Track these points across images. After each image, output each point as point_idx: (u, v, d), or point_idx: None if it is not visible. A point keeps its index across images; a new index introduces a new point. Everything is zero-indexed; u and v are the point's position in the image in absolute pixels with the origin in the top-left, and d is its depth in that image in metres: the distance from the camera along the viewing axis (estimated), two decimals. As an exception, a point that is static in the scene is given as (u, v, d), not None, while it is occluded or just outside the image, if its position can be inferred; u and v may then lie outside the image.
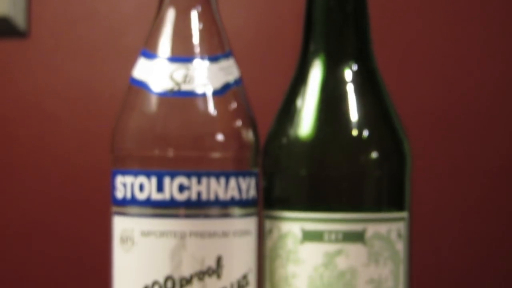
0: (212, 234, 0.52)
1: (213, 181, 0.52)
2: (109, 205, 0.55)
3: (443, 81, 0.92)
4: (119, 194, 0.54)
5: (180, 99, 0.53)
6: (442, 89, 0.92)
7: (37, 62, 0.96)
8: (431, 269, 0.92)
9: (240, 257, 0.53)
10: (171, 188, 0.52)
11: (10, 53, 0.97)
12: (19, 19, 0.95)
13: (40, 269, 0.95)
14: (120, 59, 0.93)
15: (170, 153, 0.52)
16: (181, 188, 0.52)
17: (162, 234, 0.52)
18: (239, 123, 0.54)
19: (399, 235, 0.54)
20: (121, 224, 0.53)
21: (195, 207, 0.52)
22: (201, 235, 0.52)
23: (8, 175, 0.97)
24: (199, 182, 0.52)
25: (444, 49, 0.92)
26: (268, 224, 0.55)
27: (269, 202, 0.55)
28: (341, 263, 0.52)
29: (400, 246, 0.54)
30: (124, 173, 0.53)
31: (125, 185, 0.53)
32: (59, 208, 0.95)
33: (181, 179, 0.52)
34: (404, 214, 0.54)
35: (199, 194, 0.52)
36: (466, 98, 0.92)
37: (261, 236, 0.55)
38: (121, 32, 0.95)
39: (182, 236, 0.52)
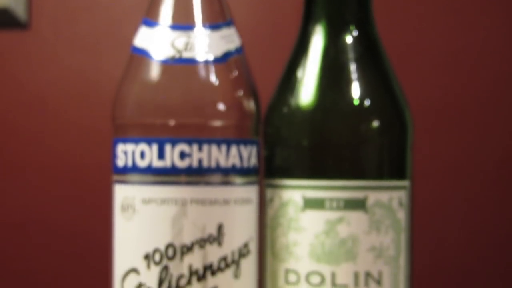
0: (213, 202, 0.52)
1: (214, 148, 0.52)
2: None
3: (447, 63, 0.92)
4: (120, 162, 0.53)
5: (181, 66, 0.53)
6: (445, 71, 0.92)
7: (37, 53, 0.96)
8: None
9: (241, 225, 0.53)
10: (172, 155, 0.52)
11: (10, 45, 0.97)
12: (20, 11, 0.95)
13: (42, 263, 0.95)
14: (120, 50, 0.93)
15: (171, 120, 0.52)
16: (182, 155, 0.52)
17: (163, 201, 0.52)
18: (240, 91, 0.54)
19: (401, 204, 0.53)
20: (122, 192, 0.53)
21: (196, 175, 0.52)
22: (202, 202, 0.52)
23: (8, 167, 0.97)
24: (200, 149, 0.52)
25: (449, 39, 0.92)
26: (269, 192, 0.55)
27: (270, 171, 0.55)
28: (343, 230, 0.52)
29: (402, 215, 0.54)
30: (125, 141, 0.53)
31: (126, 153, 0.53)
32: (60, 201, 0.95)
33: (182, 146, 0.52)
34: (406, 183, 0.54)
35: (200, 161, 0.52)
36: (471, 84, 0.91)
37: (262, 205, 0.55)
38: (121, 23, 0.95)
39: (183, 203, 0.52)
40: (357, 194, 0.52)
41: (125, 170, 0.53)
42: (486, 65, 0.91)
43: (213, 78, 0.53)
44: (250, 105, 0.54)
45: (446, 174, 0.91)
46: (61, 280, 0.95)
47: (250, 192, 0.54)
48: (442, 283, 0.92)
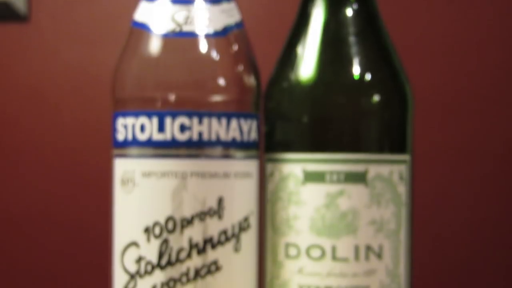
0: (213, 175, 0.52)
1: (214, 121, 0.52)
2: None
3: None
4: (120, 136, 0.53)
5: (181, 40, 0.53)
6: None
7: (37, 46, 0.96)
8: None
9: (241, 199, 0.53)
10: (172, 128, 0.52)
11: (10, 37, 0.97)
12: (20, 4, 0.95)
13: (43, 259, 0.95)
14: (120, 44, 0.93)
15: (171, 93, 0.52)
16: (182, 128, 0.52)
17: (163, 174, 0.52)
18: (240, 65, 0.54)
19: (401, 178, 0.53)
20: (122, 166, 0.53)
21: (196, 147, 0.52)
22: (202, 175, 0.52)
23: (6, 160, 0.96)
24: (200, 122, 0.52)
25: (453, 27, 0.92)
26: (269, 167, 0.55)
27: (270, 146, 0.55)
28: (343, 204, 0.52)
29: (402, 189, 0.53)
30: (125, 114, 0.53)
31: (126, 126, 0.53)
32: (60, 195, 0.95)
33: (182, 119, 0.52)
34: (406, 157, 0.54)
35: (200, 134, 0.52)
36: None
37: (262, 180, 0.55)
38: (121, 16, 0.95)
39: (183, 176, 0.52)
40: (358, 167, 0.52)
41: (125, 144, 0.53)
42: (493, 45, 0.91)
43: (213, 52, 0.53)
44: (250, 79, 0.54)
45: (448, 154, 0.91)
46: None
47: (250, 166, 0.54)
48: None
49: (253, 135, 0.54)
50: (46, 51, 0.96)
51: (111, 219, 0.54)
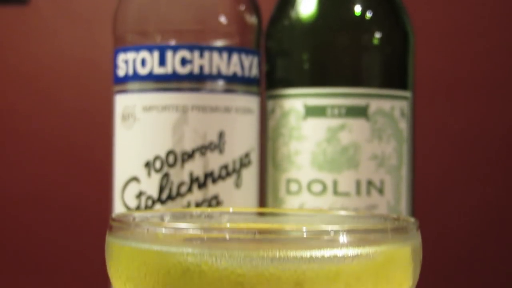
0: (214, 109, 0.52)
1: (215, 55, 0.52)
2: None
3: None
4: (121, 72, 0.53)
5: (183, -26, 0.53)
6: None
7: (37, 29, 0.96)
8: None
9: (242, 134, 0.53)
10: (173, 62, 0.52)
11: (10, 21, 0.96)
12: (19, -15, 0.96)
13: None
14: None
15: (172, 28, 0.52)
16: (183, 62, 0.52)
17: (164, 108, 0.52)
18: (241, 4, 0.54)
19: (402, 114, 0.53)
20: (122, 102, 0.53)
21: (197, 81, 0.52)
22: (203, 109, 0.52)
23: (7, 141, 0.96)
24: (201, 56, 0.52)
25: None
26: (270, 104, 0.55)
27: (271, 84, 0.55)
28: (344, 138, 0.52)
29: (404, 125, 0.53)
30: (126, 50, 0.53)
31: (127, 62, 0.53)
32: (59, 176, 0.95)
33: (184, 53, 0.52)
34: (407, 94, 0.54)
35: (201, 68, 0.52)
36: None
37: (264, 119, 0.55)
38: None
39: (184, 110, 0.51)
40: (359, 101, 0.52)
41: (125, 79, 0.53)
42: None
43: (214, -13, 0.53)
44: (252, 17, 0.54)
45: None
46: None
47: (251, 102, 0.53)
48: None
49: (254, 72, 0.54)
50: (46, 34, 0.96)
51: (112, 158, 0.54)
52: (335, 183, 0.52)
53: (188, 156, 0.51)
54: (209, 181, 0.52)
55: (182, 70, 0.52)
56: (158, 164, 0.51)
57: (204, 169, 0.51)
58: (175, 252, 0.30)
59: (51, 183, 0.94)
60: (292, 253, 0.29)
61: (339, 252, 0.30)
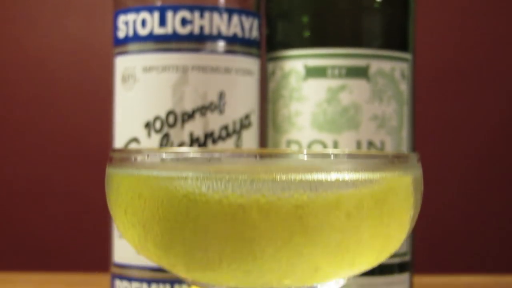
0: (214, 69, 0.52)
1: (215, 15, 0.52)
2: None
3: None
4: (121, 34, 0.53)
5: None
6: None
7: (37, 16, 0.96)
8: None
9: (242, 96, 0.53)
10: (174, 22, 0.52)
11: (10, 7, 0.96)
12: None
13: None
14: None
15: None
16: (184, 22, 0.52)
17: (164, 68, 0.52)
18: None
19: (403, 75, 0.53)
20: (122, 64, 0.53)
21: (198, 41, 0.52)
22: (203, 69, 0.52)
23: (8, 128, 0.96)
24: (201, 16, 0.52)
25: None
26: (271, 66, 0.55)
27: (272, 47, 0.55)
28: (345, 98, 0.52)
29: (404, 87, 0.53)
30: (126, 11, 0.53)
31: (127, 23, 0.53)
32: (60, 162, 0.94)
33: (184, 13, 0.52)
34: (408, 56, 0.54)
35: (201, 28, 0.52)
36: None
37: (264, 83, 0.55)
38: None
39: (184, 70, 0.51)
40: (359, 62, 0.52)
41: (126, 41, 0.53)
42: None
43: None
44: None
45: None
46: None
47: (252, 64, 0.53)
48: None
49: (254, 34, 0.54)
50: (46, 22, 0.96)
51: (112, 120, 0.54)
52: (335, 144, 0.52)
53: (188, 116, 0.51)
54: (209, 142, 0.51)
55: (182, 31, 0.51)
56: (158, 125, 0.51)
57: (204, 130, 0.51)
58: (175, 177, 0.30)
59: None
60: (293, 176, 0.29)
61: (340, 176, 0.30)
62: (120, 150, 0.32)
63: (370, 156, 0.31)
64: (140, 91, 0.52)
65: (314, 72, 0.52)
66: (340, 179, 0.30)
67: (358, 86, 0.52)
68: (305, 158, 0.30)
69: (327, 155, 0.30)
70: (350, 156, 0.30)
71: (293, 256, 0.30)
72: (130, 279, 0.53)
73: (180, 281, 0.52)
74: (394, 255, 0.53)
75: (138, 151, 0.31)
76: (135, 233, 0.32)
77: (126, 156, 0.32)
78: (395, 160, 0.31)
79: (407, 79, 0.53)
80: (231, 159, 0.30)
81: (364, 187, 0.30)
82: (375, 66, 0.52)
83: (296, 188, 0.29)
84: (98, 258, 0.80)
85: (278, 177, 0.29)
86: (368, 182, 0.30)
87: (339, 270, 0.32)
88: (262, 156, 0.30)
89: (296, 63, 0.53)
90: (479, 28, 0.91)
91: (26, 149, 0.95)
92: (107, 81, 0.58)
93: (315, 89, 0.52)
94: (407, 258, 0.54)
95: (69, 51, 0.95)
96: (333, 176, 0.30)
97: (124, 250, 0.53)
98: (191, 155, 0.30)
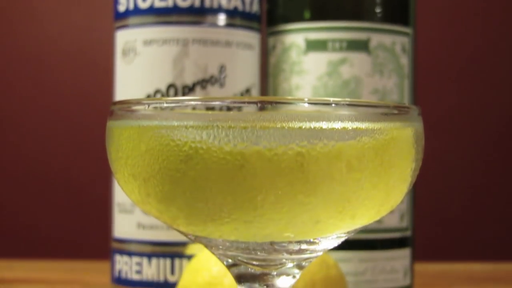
0: (215, 43, 0.52)
1: (216, -11, 0.52)
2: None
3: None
4: (121, 8, 0.53)
5: None
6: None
7: (37, 8, 0.96)
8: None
9: (243, 69, 0.53)
10: (174, -5, 0.52)
11: (10, 1, 0.96)
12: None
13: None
14: None
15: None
16: (184, -5, 0.52)
17: (165, 41, 0.51)
18: None
19: (404, 49, 0.53)
20: (123, 37, 0.53)
21: (198, 14, 0.52)
22: (204, 42, 0.51)
23: (6, 121, 0.96)
24: (202, -11, 0.52)
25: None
26: (271, 40, 0.54)
27: (272, 21, 0.55)
28: (345, 72, 0.52)
29: (405, 61, 0.53)
30: (126, -15, 0.53)
31: (127, -3, 0.53)
32: (59, 151, 0.94)
33: (184, -14, 0.52)
34: (409, 30, 0.54)
35: (202, 1, 0.52)
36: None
37: (264, 59, 0.55)
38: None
39: (184, 43, 0.51)
40: (360, 35, 0.52)
41: (126, 14, 0.53)
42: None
43: None
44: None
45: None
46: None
47: (252, 38, 0.53)
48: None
49: (255, 8, 0.54)
50: (46, 13, 0.96)
51: (112, 94, 0.54)
52: (336, 117, 0.51)
53: (189, 89, 0.51)
54: (210, 115, 0.51)
55: (183, 3, 0.51)
56: (158, 98, 0.51)
57: (205, 103, 0.51)
58: (175, 126, 0.30)
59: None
60: (294, 124, 0.29)
61: (340, 124, 0.30)
62: (120, 102, 0.32)
63: (371, 105, 0.31)
64: (141, 64, 0.52)
65: (314, 46, 0.52)
66: (341, 127, 0.30)
67: (359, 59, 0.52)
68: (306, 106, 0.30)
69: (328, 103, 0.30)
70: (351, 104, 0.30)
71: (293, 206, 0.30)
72: (130, 253, 0.53)
73: (180, 255, 0.51)
74: (395, 230, 0.53)
75: (139, 101, 0.31)
76: (135, 186, 0.32)
77: (126, 107, 0.32)
78: (397, 110, 0.31)
79: (408, 53, 0.53)
80: (233, 104, 0.30)
81: (365, 136, 0.30)
82: (375, 39, 0.52)
83: (297, 136, 0.29)
84: (98, 246, 0.80)
85: (279, 125, 0.29)
86: (369, 131, 0.30)
87: (340, 222, 0.31)
88: (263, 104, 0.29)
89: (296, 36, 0.53)
90: (481, 1, 0.91)
91: (27, 133, 0.95)
92: (108, 57, 0.58)
93: (315, 63, 0.52)
94: (408, 233, 0.54)
95: (71, 41, 0.94)
96: (334, 124, 0.30)
97: (124, 224, 0.53)
98: (192, 103, 0.30)
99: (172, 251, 0.51)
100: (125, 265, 0.53)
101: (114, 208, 0.54)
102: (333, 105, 0.30)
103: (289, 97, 0.33)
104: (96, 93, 0.92)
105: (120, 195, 0.53)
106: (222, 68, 0.52)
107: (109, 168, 0.53)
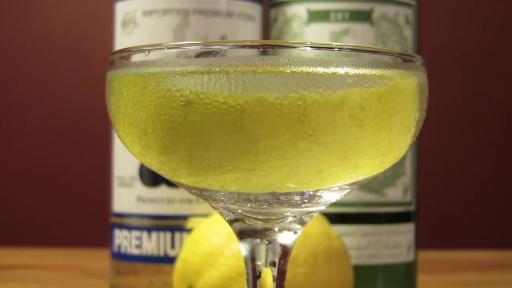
0: (216, 13, 0.51)
1: (217, -41, 0.51)
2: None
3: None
4: (122, -21, 0.53)
5: None
6: None
7: (37, 1, 0.95)
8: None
9: (244, 41, 0.52)
10: (175, -35, 0.51)
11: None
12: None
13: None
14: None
15: None
16: (185, -35, 0.51)
17: (165, 12, 0.51)
18: None
19: (407, 21, 0.52)
20: (123, 9, 0.53)
21: (199, -16, 0.51)
22: (204, 13, 0.51)
23: (5, 115, 0.95)
24: (203, -41, 0.51)
25: None
26: (273, 12, 0.54)
27: (274, -6, 0.54)
28: (348, 43, 0.51)
29: (408, 32, 0.53)
30: (127, -44, 0.52)
31: (128, -32, 0.52)
32: (58, 147, 0.94)
33: (185, -44, 0.51)
34: (412, 1, 0.53)
35: (203, -29, 0.51)
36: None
37: (266, 32, 0.54)
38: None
39: (185, 13, 0.51)
40: (363, 6, 0.51)
41: (126, -15, 0.52)
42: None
43: None
44: None
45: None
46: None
47: (254, 9, 0.53)
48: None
49: (257, -21, 0.53)
50: (45, 6, 0.95)
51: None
52: (338, 89, 0.51)
53: (190, 60, 0.51)
54: (211, 86, 0.51)
55: (184, -27, 0.51)
56: (159, 69, 0.51)
57: (206, 74, 0.51)
58: (176, 71, 0.29)
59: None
60: (296, 68, 0.29)
61: (342, 70, 0.29)
62: (120, 51, 0.32)
63: (375, 50, 0.30)
64: (141, 35, 0.51)
65: (317, 16, 0.51)
66: (344, 73, 0.29)
67: (362, 30, 0.51)
68: (309, 50, 0.29)
69: (331, 47, 0.29)
70: (355, 49, 0.30)
71: (295, 154, 0.30)
72: (130, 228, 0.52)
73: (180, 228, 0.51)
74: (399, 204, 0.52)
75: (138, 48, 0.31)
76: (135, 137, 0.31)
77: (126, 55, 0.31)
78: (401, 58, 0.31)
79: (412, 25, 0.53)
80: (234, 51, 0.30)
81: (368, 82, 0.30)
82: (379, 10, 0.51)
83: (299, 81, 0.29)
84: (96, 234, 0.79)
85: (281, 69, 0.29)
86: (372, 78, 0.30)
87: (343, 172, 0.31)
88: (265, 48, 0.29)
89: (298, 7, 0.52)
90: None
91: (26, 124, 0.94)
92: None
93: (318, 34, 0.51)
94: (411, 208, 0.53)
95: (70, 34, 0.94)
96: (336, 69, 0.29)
97: (124, 198, 0.52)
98: (192, 47, 0.29)
99: (172, 225, 0.51)
100: (124, 240, 0.52)
101: (113, 182, 0.53)
102: (335, 49, 0.29)
103: (292, 41, 0.33)
104: (95, 86, 0.92)
105: (120, 169, 0.52)
106: (223, 39, 0.51)
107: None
